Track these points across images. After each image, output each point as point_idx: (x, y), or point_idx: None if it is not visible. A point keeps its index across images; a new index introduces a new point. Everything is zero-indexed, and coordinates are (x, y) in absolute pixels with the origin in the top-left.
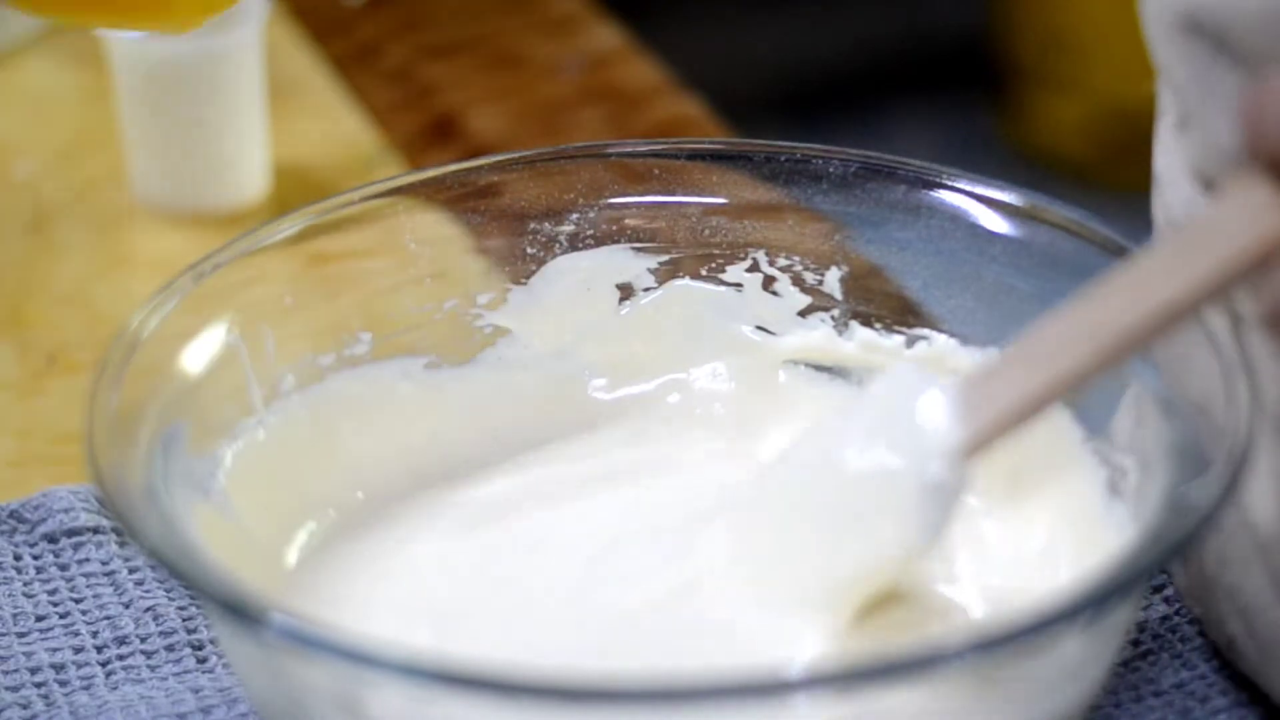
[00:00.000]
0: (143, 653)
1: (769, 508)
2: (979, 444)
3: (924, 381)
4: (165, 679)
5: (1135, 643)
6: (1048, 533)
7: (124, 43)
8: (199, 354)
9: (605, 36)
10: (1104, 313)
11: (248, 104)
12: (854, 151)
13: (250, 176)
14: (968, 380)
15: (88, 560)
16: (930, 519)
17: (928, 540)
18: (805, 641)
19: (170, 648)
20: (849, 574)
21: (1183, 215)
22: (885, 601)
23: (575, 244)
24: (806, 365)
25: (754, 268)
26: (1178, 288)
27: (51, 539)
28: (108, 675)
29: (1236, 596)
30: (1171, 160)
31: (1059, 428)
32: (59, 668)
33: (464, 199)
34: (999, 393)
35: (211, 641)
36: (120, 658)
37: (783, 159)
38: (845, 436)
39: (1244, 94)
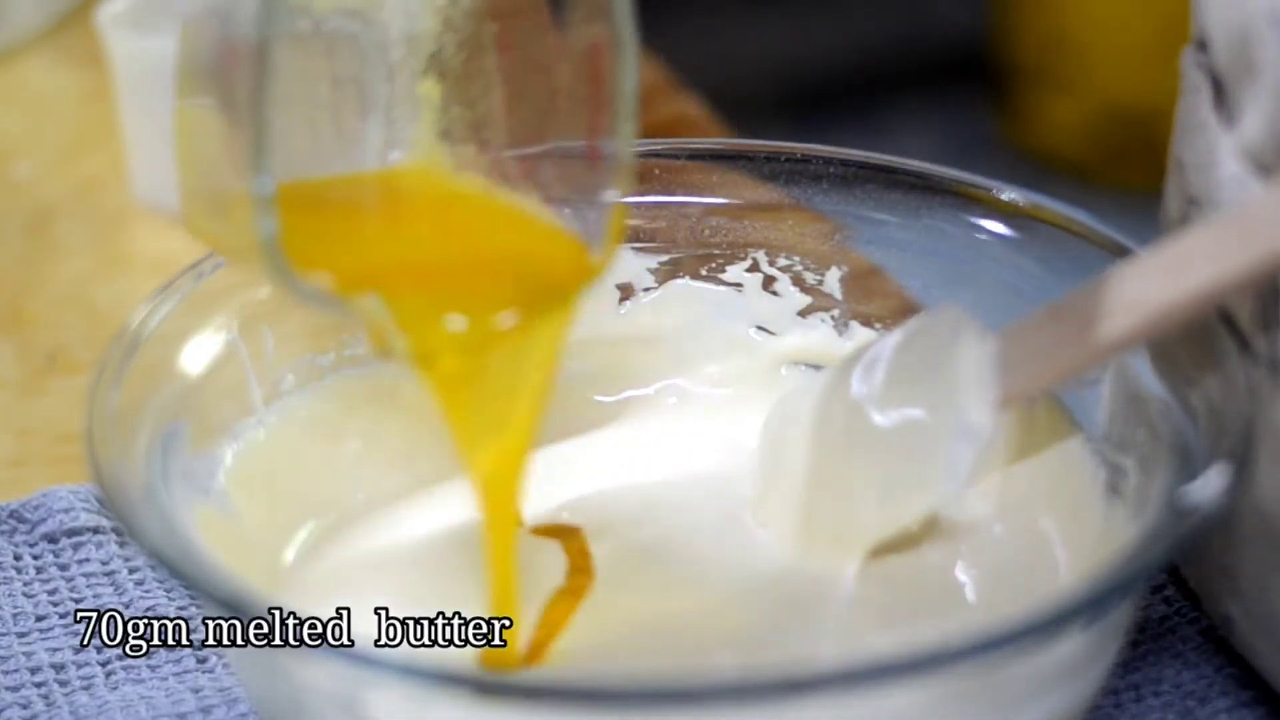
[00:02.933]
0: None
1: (801, 440)
2: (1014, 398)
3: (965, 324)
4: (165, 679)
5: (1135, 643)
6: (1047, 533)
7: (124, 42)
8: (199, 354)
9: None
10: (1147, 285)
11: None
12: (854, 151)
13: None
14: (1008, 332)
15: (88, 560)
16: (959, 466)
17: (954, 487)
18: (817, 577)
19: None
20: (872, 514)
21: (1225, 196)
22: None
23: None
24: (806, 365)
25: (754, 268)
26: (1220, 271)
27: (51, 539)
28: (108, 675)
29: (1236, 579)
30: (1209, 139)
31: (1059, 428)
32: (59, 668)
33: None
34: (1038, 350)
35: None
36: (120, 658)
37: (783, 159)
38: (882, 375)
39: None
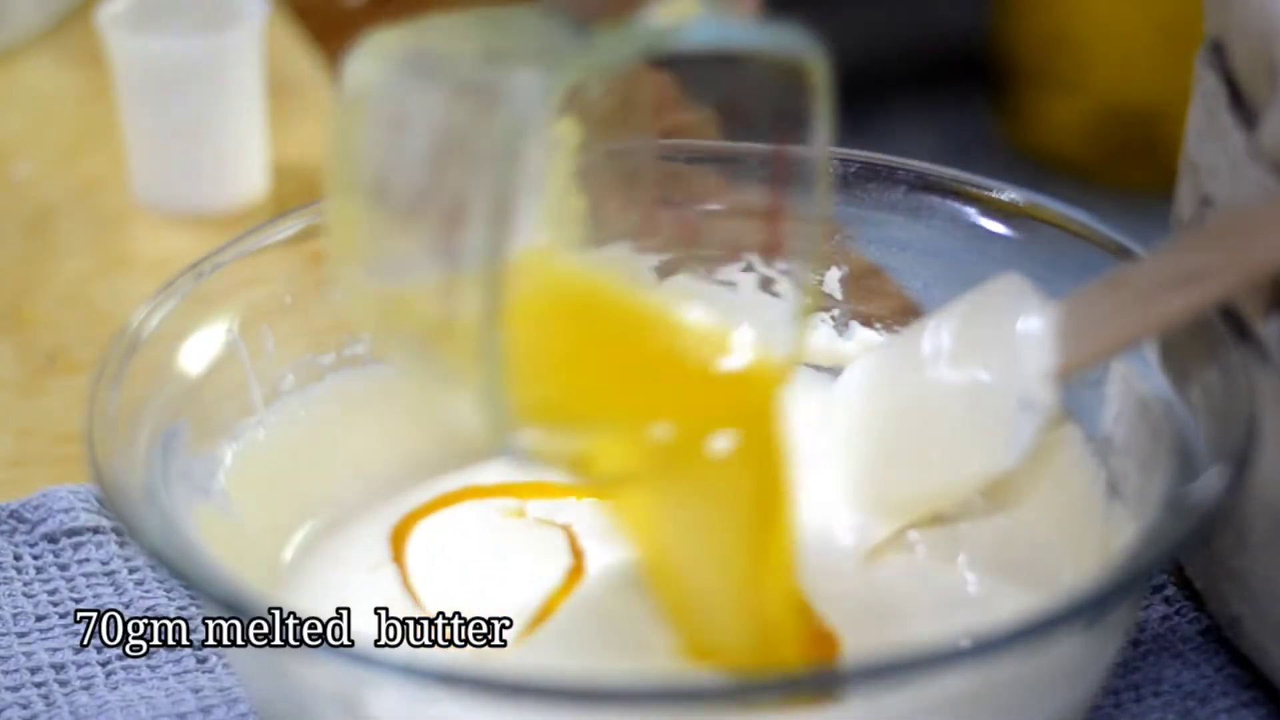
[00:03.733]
0: None
1: (863, 407)
2: (1072, 370)
3: (1025, 295)
4: (165, 679)
5: (1135, 643)
6: (1048, 533)
7: (124, 42)
8: (199, 354)
9: None
10: (1202, 261)
11: (248, 104)
12: (854, 151)
13: (250, 176)
14: (1066, 305)
15: (88, 560)
16: (1019, 438)
17: (1013, 459)
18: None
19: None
20: (931, 484)
21: (1245, 199)
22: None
23: None
24: (806, 365)
25: (753, 268)
26: (1275, 248)
27: (51, 539)
28: (108, 675)
29: (1246, 580)
30: (1226, 142)
31: (1060, 428)
32: (59, 668)
33: None
34: (1097, 323)
35: None
36: (120, 658)
37: None
38: (945, 346)
39: None
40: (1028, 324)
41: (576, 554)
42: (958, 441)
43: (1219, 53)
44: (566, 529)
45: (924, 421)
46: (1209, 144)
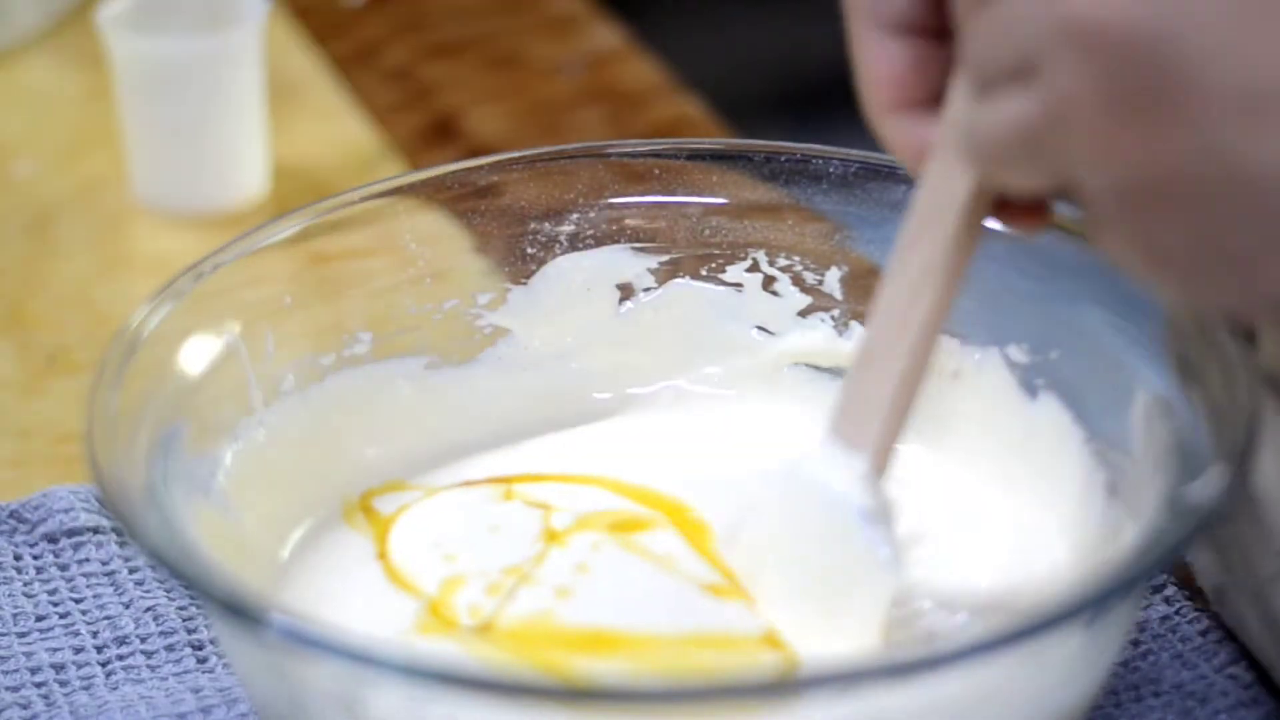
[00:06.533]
0: (143, 653)
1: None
2: (880, 459)
3: (808, 449)
4: (165, 679)
5: (1135, 643)
6: (1047, 533)
7: (124, 42)
8: (199, 354)
9: (605, 36)
10: (900, 304)
11: (248, 104)
12: (854, 151)
13: (250, 176)
14: (836, 406)
15: (88, 560)
16: (883, 551)
17: (895, 573)
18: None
19: (170, 648)
20: (845, 623)
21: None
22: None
23: (575, 244)
24: (806, 365)
25: (754, 268)
26: (936, 260)
27: (51, 539)
28: (108, 675)
29: None
30: None
31: (1059, 428)
32: (59, 668)
33: (464, 199)
34: (866, 409)
35: (211, 641)
36: (120, 658)
37: (783, 159)
38: (776, 496)
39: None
40: (825, 441)
41: (552, 533)
42: (842, 580)
43: None
44: (549, 508)
45: (809, 570)
46: None
